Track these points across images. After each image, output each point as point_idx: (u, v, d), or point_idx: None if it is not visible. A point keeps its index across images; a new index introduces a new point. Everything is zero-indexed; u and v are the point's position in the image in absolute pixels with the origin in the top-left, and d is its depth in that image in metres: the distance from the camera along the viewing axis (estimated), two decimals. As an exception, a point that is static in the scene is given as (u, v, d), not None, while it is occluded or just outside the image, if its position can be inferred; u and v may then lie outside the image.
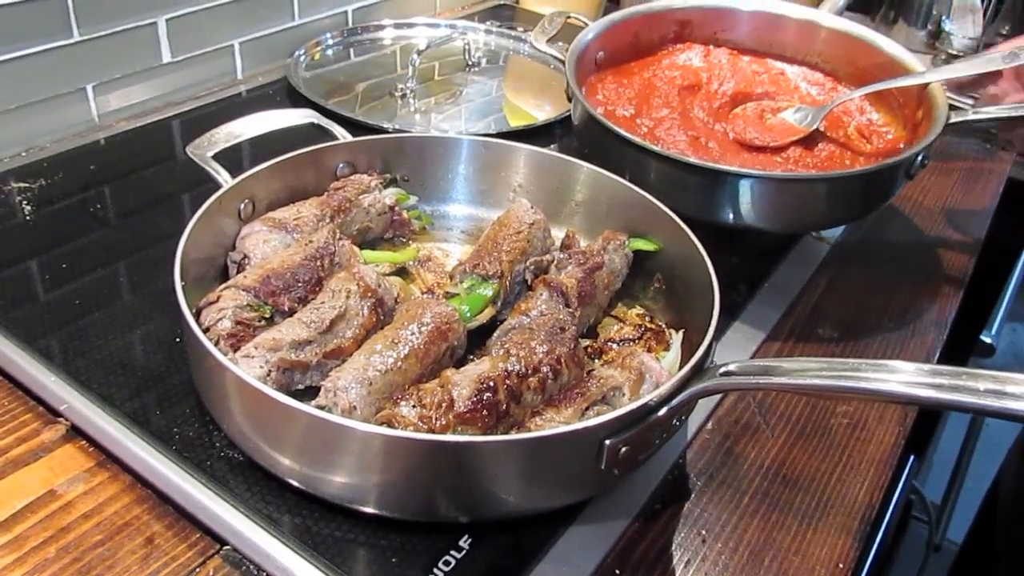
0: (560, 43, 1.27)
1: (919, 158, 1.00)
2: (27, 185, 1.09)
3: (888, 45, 1.20)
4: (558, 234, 0.97)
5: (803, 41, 1.27)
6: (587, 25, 1.21)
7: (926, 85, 1.09)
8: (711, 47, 1.30)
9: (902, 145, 1.12)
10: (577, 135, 1.12)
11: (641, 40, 1.27)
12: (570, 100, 1.10)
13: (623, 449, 0.65)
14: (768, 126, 1.16)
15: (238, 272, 0.85)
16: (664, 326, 0.90)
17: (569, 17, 1.31)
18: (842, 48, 1.24)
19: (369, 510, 0.68)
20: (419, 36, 1.65)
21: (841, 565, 0.73)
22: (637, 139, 0.99)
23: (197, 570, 0.67)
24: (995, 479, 1.39)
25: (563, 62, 1.12)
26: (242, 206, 0.89)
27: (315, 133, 1.02)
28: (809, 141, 1.14)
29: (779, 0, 1.29)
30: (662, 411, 0.67)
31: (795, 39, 1.28)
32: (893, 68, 1.16)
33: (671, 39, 1.30)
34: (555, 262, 0.91)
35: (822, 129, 1.16)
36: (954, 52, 1.76)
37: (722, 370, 0.68)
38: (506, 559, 0.69)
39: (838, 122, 1.18)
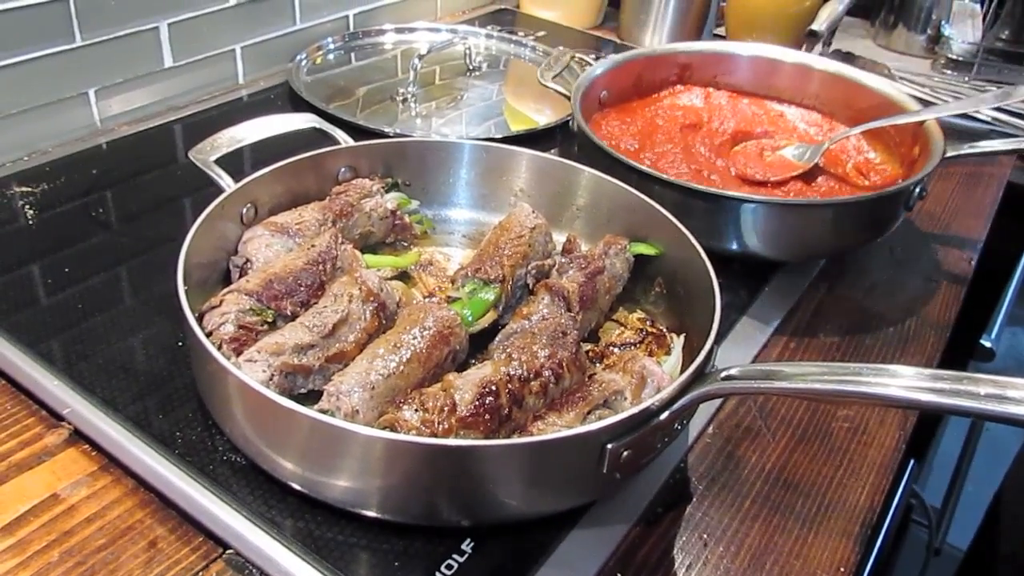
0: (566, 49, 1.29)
1: (917, 189, 1.02)
2: (29, 189, 1.10)
3: (883, 85, 1.23)
4: (559, 238, 0.97)
5: (801, 84, 1.31)
6: (592, 64, 1.25)
7: (922, 123, 1.12)
8: (711, 89, 1.34)
9: (900, 181, 1.14)
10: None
11: (644, 81, 1.31)
12: (574, 134, 1.13)
13: (625, 453, 0.65)
14: (768, 163, 1.18)
15: (240, 276, 0.85)
16: (665, 330, 0.91)
17: (574, 57, 1.36)
18: (839, 90, 1.28)
19: (371, 514, 0.68)
20: (420, 40, 1.65)
21: (842, 569, 0.73)
22: (642, 166, 1.01)
23: (200, 574, 0.67)
24: (1000, 485, 1.39)
25: (568, 97, 1.15)
26: (244, 210, 0.89)
27: (317, 137, 1.02)
28: (808, 176, 1.16)
29: (777, 46, 1.34)
30: (664, 415, 0.67)
31: (792, 82, 1.31)
32: (889, 108, 1.19)
33: (672, 81, 1.34)
34: (556, 266, 0.92)
35: (821, 165, 1.18)
36: (953, 57, 1.77)
37: (723, 374, 0.68)
38: (508, 563, 0.69)
39: (836, 160, 1.21)
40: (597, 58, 1.56)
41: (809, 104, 1.30)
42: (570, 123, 1.15)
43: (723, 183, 1.14)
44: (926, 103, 1.59)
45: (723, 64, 1.33)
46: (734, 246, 1.00)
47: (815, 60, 1.30)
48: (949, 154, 1.06)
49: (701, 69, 1.33)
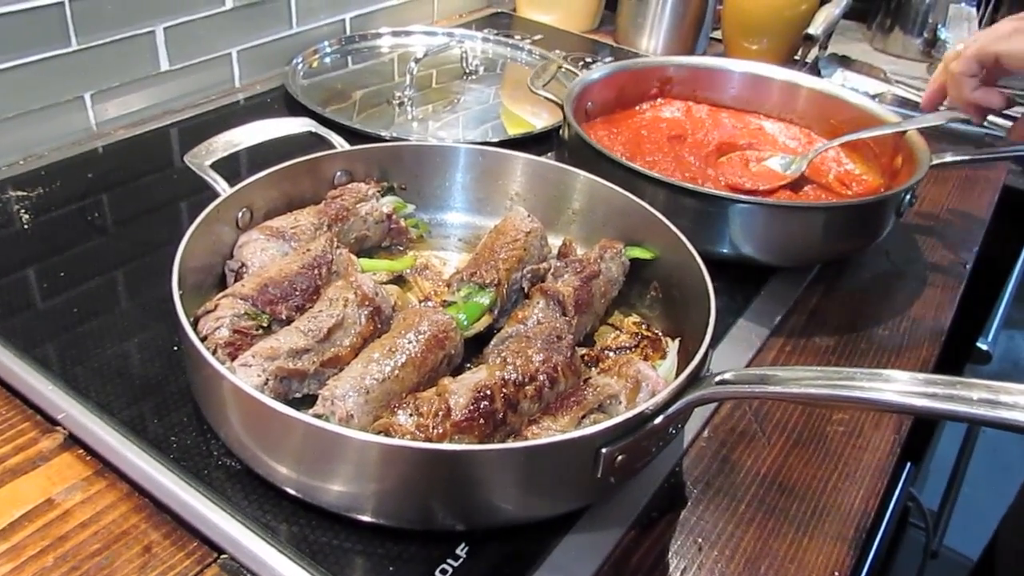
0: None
1: (907, 196, 1.05)
2: (25, 193, 1.10)
3: (858, 99, 1.26)
4: (555, 242, 0.97)
5: (779, 99, 1.34)
6: (579, 73, 1.28)
7: (903, 133, 1.14)
8: (691, 104, 1.36)
9: (882, 190, 1.17)
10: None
11: (626, 93, 1.33)
12: (565, 140, 1.14)
13: (619, 457, 0.65)
14: (754, 173, 1.20)
15: (236, 281, 0.85)
16: (660, 334, 0.91)
17: (561, 67, 1.39)
18: (816, 105, 1.31)
19: (366, 518, 0.68)
20: (417, 44, 1.65)
21: (837, 573, 0.73)
22: (637, 166, 1.02)
23: (194, 579, 0.67)
24: (999, 524, 1.39)
25: (559, 105, 1.17)
26: (240, 215, 0.89)
27: (313, 141, 1.02)
28: (795, 187, 1.18)
29: (757, 63, 1.37)
30: (658, 419, 0.67)
31: (770, 97, 1.35)
32: (866, 120, 1.21)
33: (653, 95, 1.36)
34: (552, 270, 0.92)
35: (805, 176, 1.20)
36: (950, 60, 1.77)
37: (718, 378, 0.68)
38: (503, 567, 0.69)
39: (818, 171, 1.23)
40: (585, 66, 1.58)
41: (787, 118, 1.33)
42: (561, 131, 1.16)
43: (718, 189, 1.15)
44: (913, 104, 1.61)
45: (703, 79, 1.36)
46: (726, 250, 1.01)
47: (793, 76, 1.33)
48: (934, 162, 1.09)
49: (682, 83, 1.36)
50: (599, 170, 1.00)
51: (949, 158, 1.12)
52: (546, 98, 1.23)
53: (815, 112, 1.30)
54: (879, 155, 1.21)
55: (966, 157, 1.14)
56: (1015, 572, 1.28)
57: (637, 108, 1.34)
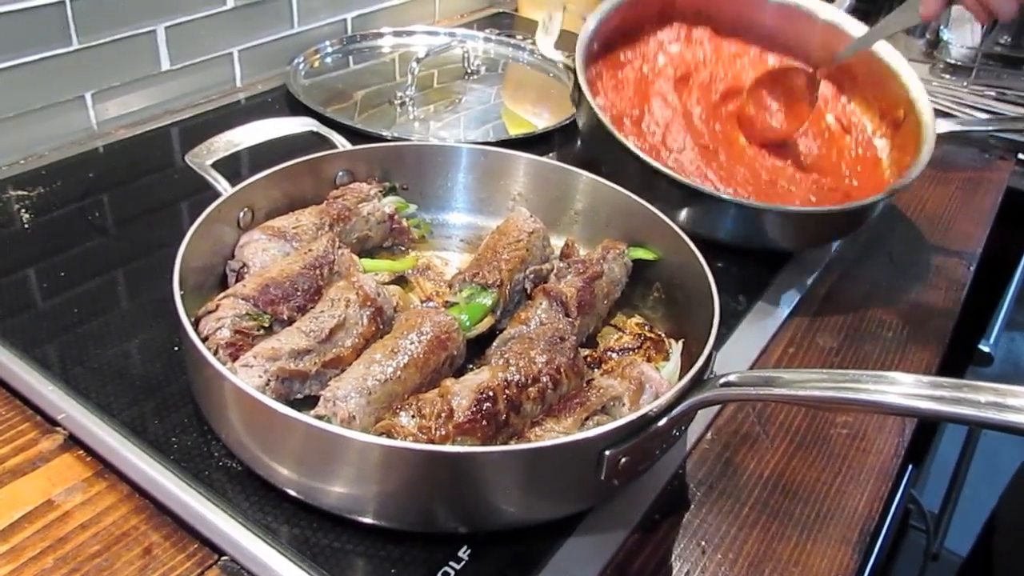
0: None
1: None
2: (25, 193, 1.09)
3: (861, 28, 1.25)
4: (557, 243, 0.97)
5: (782, 25, 1.30)
6: (584, 19, 1.23)
7: (907, 90, 1.16)
8: (692, 28, 1.30)
9: (878, 134, 1.20)
10: (584, 143, 1.13)
11: (626, 22, 1.27)
12: (577, 106, 1.13)
13: (622, 459, 0.65)
14: (768, 121, 1.20)
15: (237, 281, 0.84)
16: (664, 336, 0.90)
17: (566, 8, 1.35)
18: (817, 33, 1.27)
19: (368, 520, 0.68)
20: (418, 44, 1.65)
21: (841, 576, 0.73)
22: (655, 163, 1.03)
23: (195, 581, 0.66)
24: (996, 505, 1.39)
25: (570, 68, 1.14)
26: (241, 214, 0.89)
27: (314, 141, 1.02)
28: (799, 162, 1.19)
29: None
30: (662, 421, 0.67)
31: (774, 23, 1.30)
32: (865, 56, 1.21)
33: (654, 20, 1.30)
34: (554, 271, 0.91)
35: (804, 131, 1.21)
36: (952, 61, 1.77)
37: (722, 381, 0.68)
38: (505, 570, 0.68)
39: (818, 112, 1.23)
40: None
41: (787, 46, 1.29)
42: (571, 93, 1.14)
43: (729, 161, 1.15)
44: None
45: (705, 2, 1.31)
46: (737, 239, 1.04)
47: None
48: (942, 131, 1.12)
49: (683, 7, 1.30)
50: (612, 156, 0.99)
51: (955, 126, 1.14)
52: (561, 63, 1.20)
53: (816, 43, 1.26)
54: (879, 97, 1.23)
55: (969, 128, 1.18)
56: (1013, 569, 1.27)
57: (640, 39, 1.27)
